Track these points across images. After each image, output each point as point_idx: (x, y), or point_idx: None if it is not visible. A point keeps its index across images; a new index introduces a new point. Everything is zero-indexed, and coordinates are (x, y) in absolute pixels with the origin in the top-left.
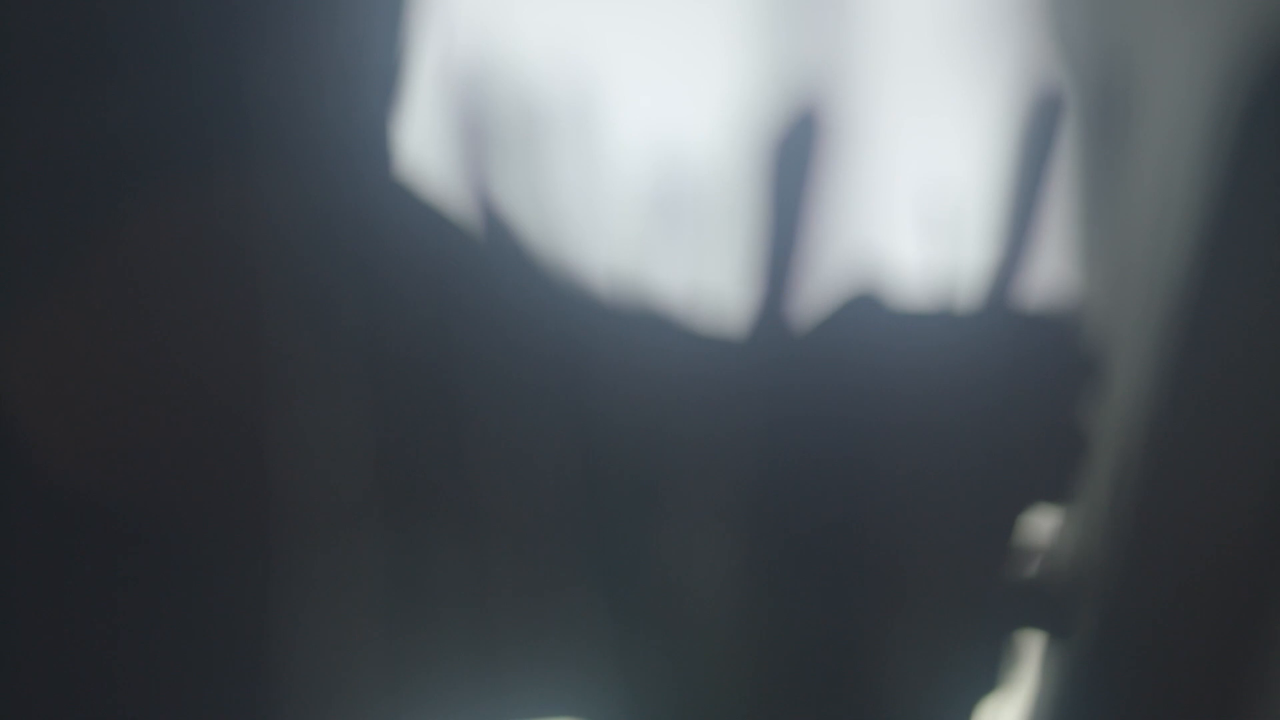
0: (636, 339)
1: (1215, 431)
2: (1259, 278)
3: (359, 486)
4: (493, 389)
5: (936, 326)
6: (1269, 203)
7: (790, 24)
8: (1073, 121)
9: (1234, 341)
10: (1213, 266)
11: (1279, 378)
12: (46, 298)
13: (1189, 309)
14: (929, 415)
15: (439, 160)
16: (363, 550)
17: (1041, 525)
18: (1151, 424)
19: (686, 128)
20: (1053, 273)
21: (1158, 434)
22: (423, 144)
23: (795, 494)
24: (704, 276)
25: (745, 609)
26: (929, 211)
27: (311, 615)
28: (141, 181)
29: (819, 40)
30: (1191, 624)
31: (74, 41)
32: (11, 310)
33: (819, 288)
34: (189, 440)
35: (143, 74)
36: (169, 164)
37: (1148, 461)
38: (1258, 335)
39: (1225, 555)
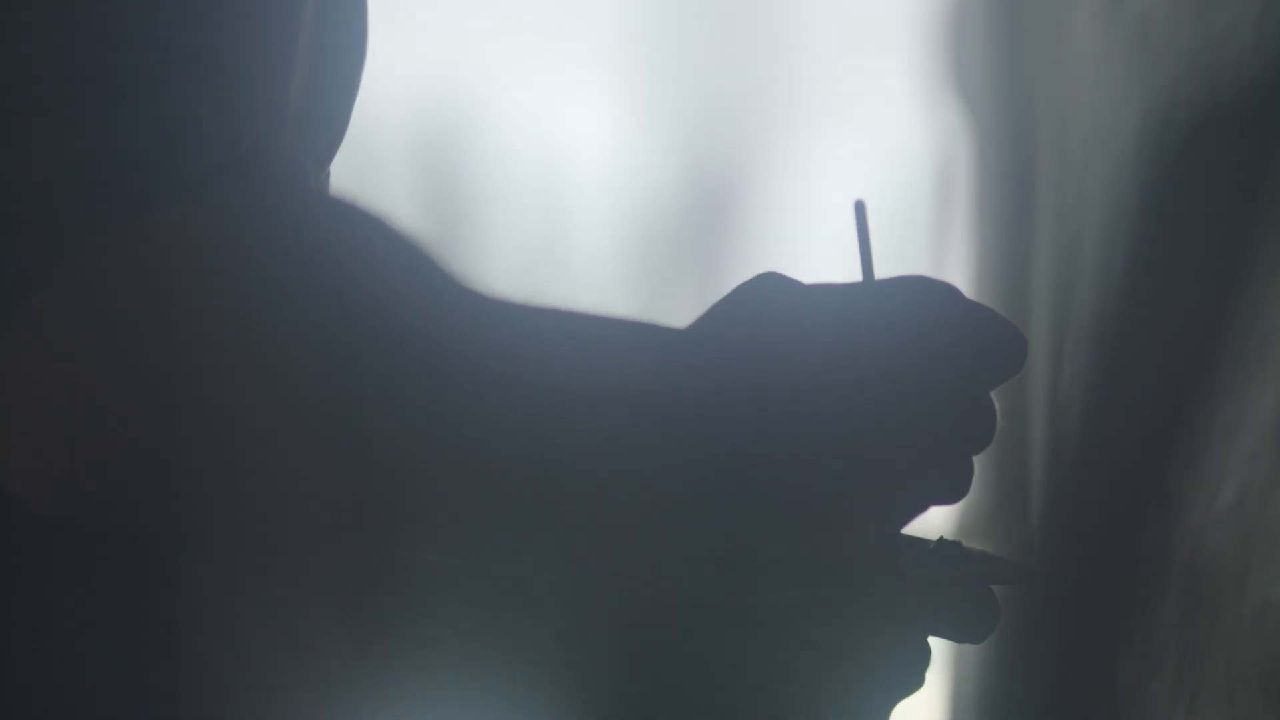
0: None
1: (1122, 422)
2: (1176, 278)
3: (309, 500)
4: (426, 397)
5: (840, 300)
6: (1182, 215)
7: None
8: (975, 148)
9: (1151, 338)
10: (1128, 269)
11: (1187, 373)
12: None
13: (1109, 307)
14: (832, 387)
15: (381, 195)
16: (321, 559)
17: (955, 510)
18: (1065, 419)
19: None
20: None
21: (1074, 427)
22: (367, 179)
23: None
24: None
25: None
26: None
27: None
28: (79, 222)
29: (743, 73)
30: (1106, 618)
31: (7, 88)
32: None
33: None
34: (137, 460)
35: (77, 116)
36: (106, 203)
37: (1066, 452)
38: (1174, 333)
39: (1139, 550)
